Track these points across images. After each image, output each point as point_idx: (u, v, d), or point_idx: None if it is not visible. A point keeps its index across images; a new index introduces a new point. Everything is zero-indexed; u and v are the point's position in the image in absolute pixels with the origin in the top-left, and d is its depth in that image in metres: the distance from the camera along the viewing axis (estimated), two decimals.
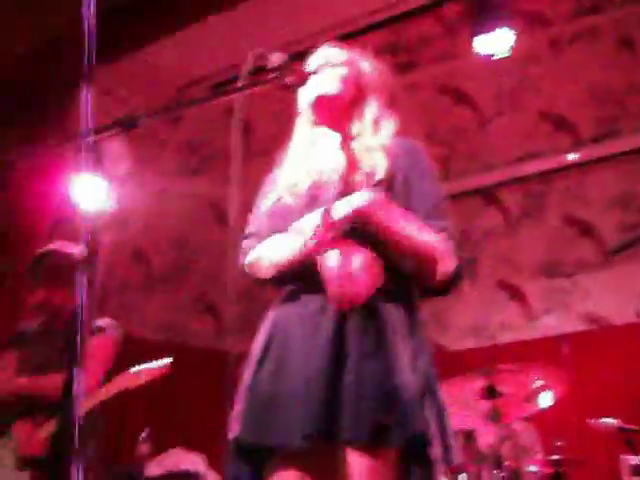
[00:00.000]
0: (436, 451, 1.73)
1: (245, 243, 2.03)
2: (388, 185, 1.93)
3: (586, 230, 6.37)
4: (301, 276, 1.88)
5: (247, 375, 1.86)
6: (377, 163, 1.95)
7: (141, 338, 6.75)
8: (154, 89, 5.68)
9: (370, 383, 1.71)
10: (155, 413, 6.27)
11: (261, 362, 1.84)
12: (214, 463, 4.71)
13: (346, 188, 1.93)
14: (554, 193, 6.46)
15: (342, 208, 1.85)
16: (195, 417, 6.45)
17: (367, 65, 2.13)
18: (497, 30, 4.98)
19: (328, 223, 1.81)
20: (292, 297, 1.91)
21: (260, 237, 2.00)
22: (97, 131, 1.34)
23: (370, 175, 1.93)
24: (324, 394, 1.69)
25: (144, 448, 4.57)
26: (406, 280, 1.93)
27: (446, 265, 1.87)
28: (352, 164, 1.98)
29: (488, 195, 6.64)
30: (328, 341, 1.75)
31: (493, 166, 6.44)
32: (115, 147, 1.35)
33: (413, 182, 1.96)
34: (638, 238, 3.07)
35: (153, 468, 4.20)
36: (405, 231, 1.85)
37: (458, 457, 1.82)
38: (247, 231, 2.07)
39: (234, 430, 1.80)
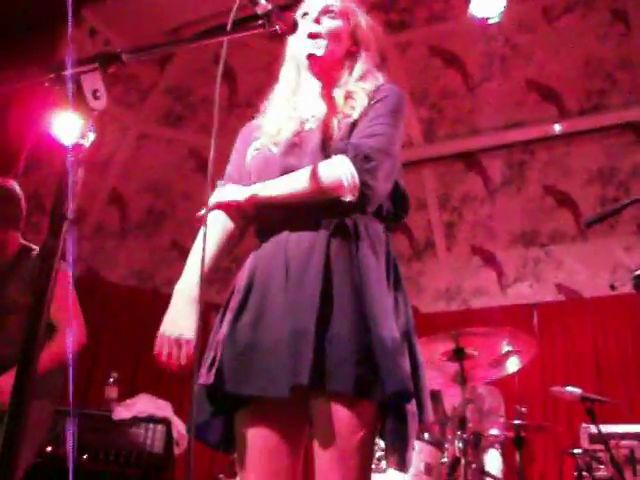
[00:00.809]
0: (412, 408, 1.74)
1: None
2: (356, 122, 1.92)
3: (565, 201, 6.41)
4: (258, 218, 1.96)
5: (224, 323, 1.84)
6: (357, 103, 1.94)
7: (113, 283, 6.75)
8: (141, 32, 5.58)
9: (354, 336, 1.70)
10: (124, 359, 6.30)
11: (240, 310, 1.82)
12: (181, 411, 4.74)
13: (326, 134, 1.91)
14: (536, 163, 6.47)
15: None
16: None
17: (361, 19, 2.10)
18: None
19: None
20: (265, 239, 1.93)
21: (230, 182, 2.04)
22: (78, 64, 1.31)
23: (346, 116, 1.92)
24: (310, 346, 1.68)
25: (112, 392, 4.60)
26: (388, 236, 1.93)
27: (339, 186, 1.81)
28: (333, 110, 1.96)
29: (470, 160, 6.64)
30: (316, 291, 1.74)
31: (478, 131, 6.43)
32: (94, 82, 1.32)
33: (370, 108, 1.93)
34: (613, 212, 3.08)
35: (121, 412, 4.22)
36: (284, 186, 1.86)
37: (430, 416, 1.84)
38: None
39: (206, 378, 1.79)
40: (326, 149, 1.89)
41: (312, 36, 1.99)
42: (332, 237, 1.82)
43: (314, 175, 1.83)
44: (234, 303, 1.85)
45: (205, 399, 1.81)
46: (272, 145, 1.98)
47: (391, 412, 1.74)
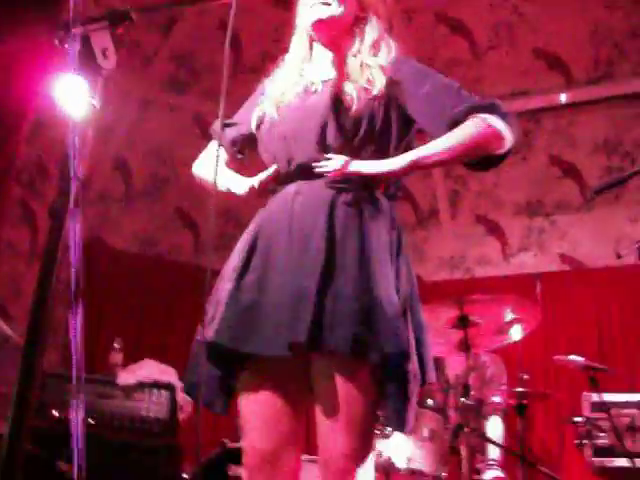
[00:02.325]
0: (412, 368, 1.75)
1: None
2: (386, 101, 1.92)
3: (570, 171, 6.38)
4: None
5: (227, 281, 1.85)
6: (375, 79, 1.92)
7: (117, 250, 6.75)
8: None
9: (353, 297, 1.72)
10: (129, 324, 6.33)
11: (244, 269, 1.84)
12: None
13: (338, 99, 1.91)
14: (542, 132, 6.43)
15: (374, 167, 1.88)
16: (168, 331, 6.50)
17: None
18: None
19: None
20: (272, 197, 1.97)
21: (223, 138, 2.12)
22: (87, 21, 1.29)
23: (366, 90, 1.91)
24: (310, 305, 1.70)
25: (116, 357, 4.62)
26: (391, 204, 1.93)
27: (499, 141, 1.87)
28: (345, 77, 1.95)
29: None
30: (319, 254, 1.76)
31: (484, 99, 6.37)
32: (104, 40, 1.31)
33: (415, 90, 1.94)
34: (619, 181, 3.06)
35: (125, 377, 4.24)
36: (442, 151, 1.86)
37: (432, 376, 1.85)
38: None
39: (208, 335, 1.79)
40: (342, 112, 1.89)
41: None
42: (337, 202, 1.83)
43: (476, 132, 1.85)
44: (238, 262, 1.86)
45: (205, 358, 1.81)
46: (274, 109, 1.99)
47: (392, 373, 1.74)
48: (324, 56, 2.05)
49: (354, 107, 1.88)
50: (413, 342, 1.77)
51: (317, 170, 1.85)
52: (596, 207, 6.25)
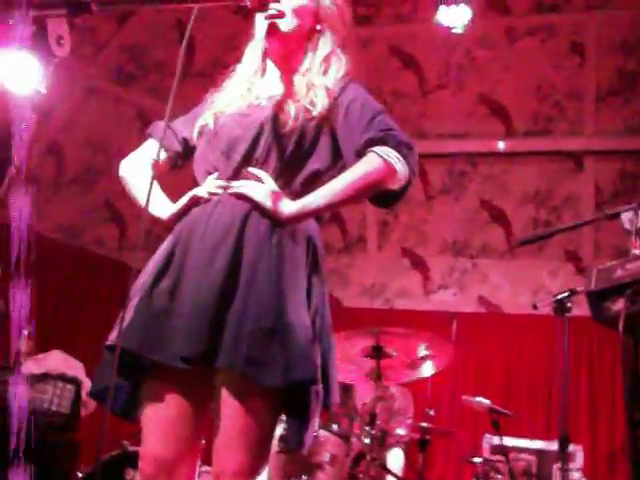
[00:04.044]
0: (316, 389, 1.73)
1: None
2: (321, 123, 1.90)
3: (499, 217, 6.55)
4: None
5: (142, 287, 1.81)
6: (318, 100, 1.91)
7: (38, 234, 6.56)
8: None
9: (257, 317, 1.69)
10: (42, 313, 6.15)
11: (159, 275, 1.80)
12: (92, 374, 4.66)
13: (278, 115, 1.89)
14: (477, 175, 6.58)
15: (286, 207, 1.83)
16: (81, 324, 6.37)
17: None
18: (461, 5, 5.03)
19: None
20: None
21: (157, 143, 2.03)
22: (46, 6, 1.27)
23: (307, 110, 1.89)
24: (209, 320, 1.68)
25: (24, 345, 4.49)
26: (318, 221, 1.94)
27: (392, 176, 1.83)
28: (290, 95, 1.94)
29: None
30: (222, 269, 1.73)
31: (424, 136, 6.49)
32: (60, 27, 1.29)
33: (345, 116, 1.91)
34: (546, 235, 3.18)
35: (31, 366, 4.14)
36: (338, 192, 1.83)
37: (336, 397, 1.82)
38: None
39: (111, 339, 1.78)
40: (278, 127, 1.87)
41: (272, 16, 1.92)
42: (251, 216, 1.81)
43: (366, 170, 1.82)
44: (154, 267, 1.83)
45: (111, 363, 1.74)
46: (213, 119, 1.97)
47: (294, 393, 1.72)
48: (275, 71, 2.04)
49: (288, 126, 1.86)
50: (319, 363, 1.75)
51: (230, 190, 1.84)
52: (519, 256, 6.42)
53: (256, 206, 1.81)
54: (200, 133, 2.01)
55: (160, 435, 1.79)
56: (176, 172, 2.13)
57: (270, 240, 1.78)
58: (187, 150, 2.08)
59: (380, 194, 1.88)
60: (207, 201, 1.88)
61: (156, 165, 2.04)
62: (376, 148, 1.83)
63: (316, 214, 1.87)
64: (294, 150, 1.87)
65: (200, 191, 1.91)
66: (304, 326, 1.72)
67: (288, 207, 1.81)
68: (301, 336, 1.70)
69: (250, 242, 1.77)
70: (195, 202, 1.90)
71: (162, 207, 1.97)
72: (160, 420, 1.80)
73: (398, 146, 1.84)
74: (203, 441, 1.87)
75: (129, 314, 1.77)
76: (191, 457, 1.82)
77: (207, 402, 1.82)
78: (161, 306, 1.76)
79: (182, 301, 1.74)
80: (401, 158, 1.83)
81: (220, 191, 1.87)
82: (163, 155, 2.08)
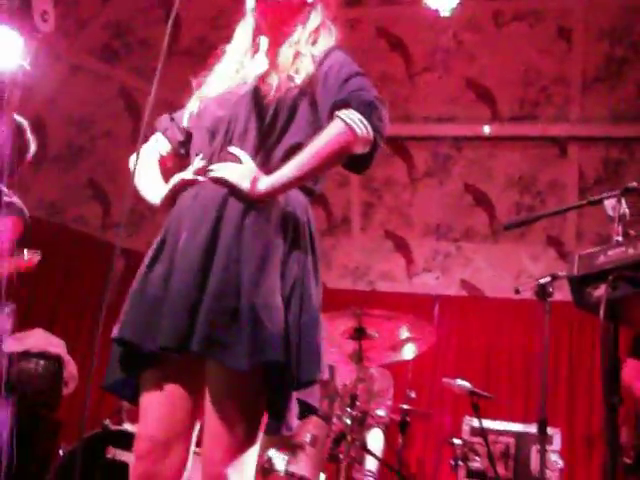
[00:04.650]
0: (292, 368, 1.71)
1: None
2: (303, 91, 1.88)
3: (482, 201, 6.57)
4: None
5: (137, 274, 1.84)
6: (302, 68, 1.89)
7: None
8: None
9: (220, 297, 1.68)
10: (22, 289, 6.10)
11: (153, 262, 1.82)
12: (74, 351, 4.65)
13: (259, 88, 1.88)
14: (462, 159, 6.59)
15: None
16: (63, 302, 6.34)
17: None
18: None
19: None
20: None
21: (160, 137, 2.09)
22: None
23: (290, 79, 1.88)
24: (187, 306, 1.68)
25: (5, 323, 4.46)
26: (308, 197, 1.92)
27: (356, 141, 1.79)
28: (275, 67, 1.92)
29: (398, 146, 6.69)
30: (199, 254, 1.73)
31: (410, 119, 6.48)
32: (45, 2, 1.27)
33: (327, 77, 1.89)
34: (530, 220, 3.20)
35: (12, 344, 4.11)
36: (305, 163, 1.79)
37: (325, 374, 1.80)
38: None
39: (114, 331, 1.79)
40: (258, 100, 1.86)
41: None
42: (229, 199, 1.81)
43: (328, 137, 1.78)
44: (148, 256, 1.85)
45: (117, 353, 1.82)
46: (198, 103, 1.99)
47: (273, 376, 1.73)
48: (264, 48, 2.03)
49: (268, 97, 1.85)
50: (294, 339, 1.72)
51: (209, 174, 1.84)
52: (501, 240, 6.46)
53: (232, 189, 1.80)
54: (189, 119, 2.03)
55: (156, 418, 1.81)
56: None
57: (243, 221, 1.77)
58: (189, 138, 2.07)
59: (352, 159, 1.85)
60: (193, 184, 1.87)
61: (162, 159, 2.08)
62: (341, 112, 1.80)
63: (288, 188, 1.83)
64: (271, 122, 1.86)
65: (186, 174, 1.90)
66: (273, 306, 1.70)
67: (262, 184, 1.79)
68: (270, 317, 1.68)
69: (225, 225, 1.77)
70: (183, 185, 1.90)
71: (155, 193, 1.98)
72: (156, 405, 1.82)
73: (361, 107, 1.80)
74: (199, 424, 1.88)
75: (126, 304, 1.80)
76: (185, 439, 1.84)
77: (202, 387, 1.83)
78: (154, 293, 1.77)
79: (170, 287, 1.75)
80: (364, 120, 1.79)
81: (201, 174, 1.87)
82: (168, 147, 2.09)
